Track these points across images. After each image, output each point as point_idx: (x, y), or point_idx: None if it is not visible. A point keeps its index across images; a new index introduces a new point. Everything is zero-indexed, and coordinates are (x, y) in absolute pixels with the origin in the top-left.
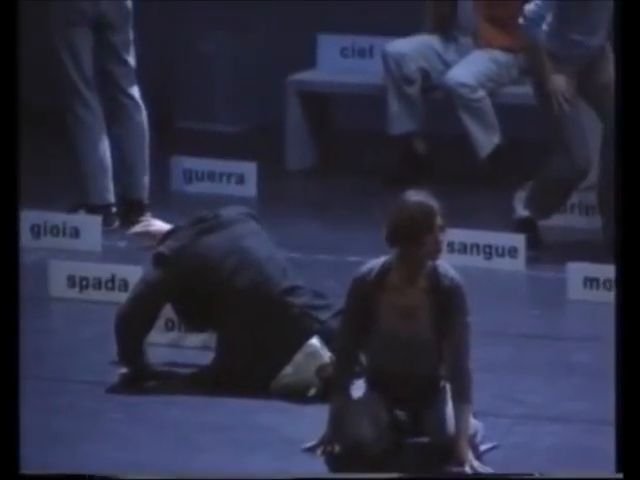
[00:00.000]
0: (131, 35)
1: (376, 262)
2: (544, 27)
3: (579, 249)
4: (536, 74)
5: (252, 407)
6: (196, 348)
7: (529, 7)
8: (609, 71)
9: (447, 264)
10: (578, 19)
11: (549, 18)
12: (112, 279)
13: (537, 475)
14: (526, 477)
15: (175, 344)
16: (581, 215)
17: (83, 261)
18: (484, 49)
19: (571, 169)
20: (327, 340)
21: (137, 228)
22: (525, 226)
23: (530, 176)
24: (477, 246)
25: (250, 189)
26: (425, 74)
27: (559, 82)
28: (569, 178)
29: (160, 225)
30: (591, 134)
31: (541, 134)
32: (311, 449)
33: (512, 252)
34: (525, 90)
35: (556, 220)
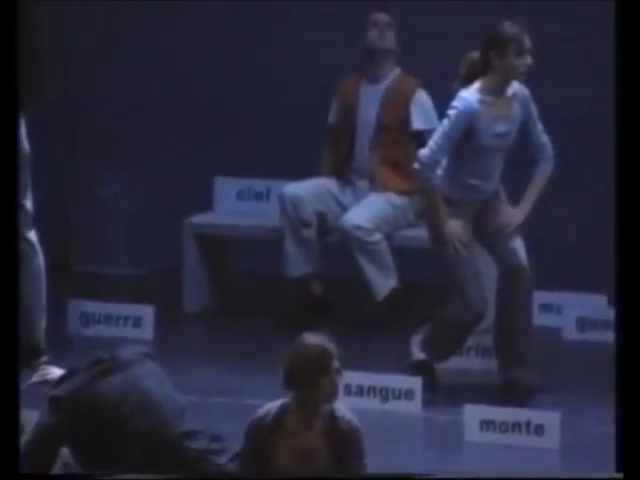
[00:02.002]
0: (29, 179)
1: (273, 404)
2: (440, 171)
3: (475, 391)
4: (431, 218)
5: None
6: None
7: (424, 152)
8: (502, 213)
9: (344, 407)
10: (473, 164)
11: (444, 162)
12: None
13: (539, 475)
14: (527, 477)
15: None
16: (477, 357)
17: None
18: (380, 192)
19: (467, 312)
20: None
21: (34, 379)
22: (421, 369)
23: (426, 319)
24: (374, 389)
25: (147, 332)
26: (322, 217)
27: (454, 226)
28: (465, 321)
29: (57, 372)
30: (486, 277)
31: (437, 277)
32: None
33: (408, 394)
34: (421, 233)
35: (452, 362)
